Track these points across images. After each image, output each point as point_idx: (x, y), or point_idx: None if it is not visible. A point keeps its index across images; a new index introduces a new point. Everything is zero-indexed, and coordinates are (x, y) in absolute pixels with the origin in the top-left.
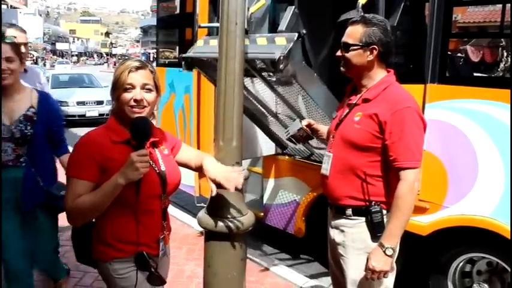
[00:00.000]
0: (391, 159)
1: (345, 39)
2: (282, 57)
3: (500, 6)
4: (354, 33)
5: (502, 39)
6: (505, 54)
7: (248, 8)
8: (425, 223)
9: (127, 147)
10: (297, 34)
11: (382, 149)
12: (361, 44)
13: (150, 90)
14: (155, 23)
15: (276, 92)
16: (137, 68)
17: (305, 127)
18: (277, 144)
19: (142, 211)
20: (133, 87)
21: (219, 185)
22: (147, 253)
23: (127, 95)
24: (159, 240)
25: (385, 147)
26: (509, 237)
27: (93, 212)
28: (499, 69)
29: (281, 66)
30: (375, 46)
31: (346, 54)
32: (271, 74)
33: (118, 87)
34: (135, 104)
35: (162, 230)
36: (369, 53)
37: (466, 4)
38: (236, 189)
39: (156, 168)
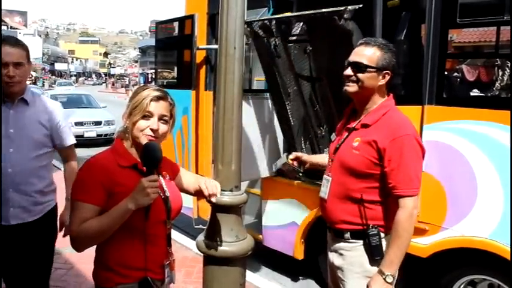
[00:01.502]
0: (390, 186)
1: (358, 59)
2: (347, 9)
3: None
4: (369, 55)
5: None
6: (501, 73)
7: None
8: (425, 245)
9: (134, 172)
10: (361, 5)
11: (380, 175)
12: (377, 67)
13: (166, 122)
14: (154, 44)
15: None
16: (158, 98)
17: (290, 161)
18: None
19: (148, 236)
20: (151, 115)
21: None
22: (151, 278)
23: (144, 123)
24: (164, 266)
25: (384, 174)
26: (508, 258)
27: (99, 237)
28: (495, 89)
29: (346, 15)
30: (388, 71)
31: (360, 75)
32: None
33: (136, 114)
34: (150, 133)
35: (167, 256)
36: (381, 77)
37: (463, 27)
38: (235, 212)
39: (161, 194)
